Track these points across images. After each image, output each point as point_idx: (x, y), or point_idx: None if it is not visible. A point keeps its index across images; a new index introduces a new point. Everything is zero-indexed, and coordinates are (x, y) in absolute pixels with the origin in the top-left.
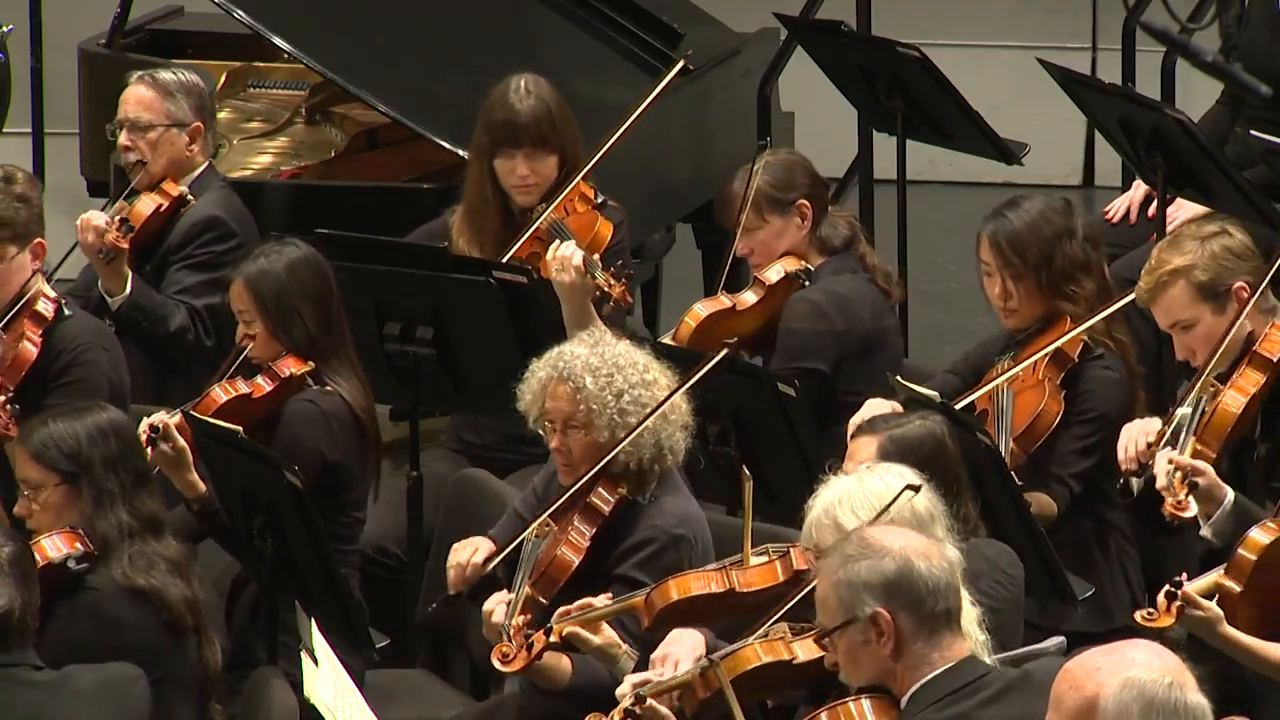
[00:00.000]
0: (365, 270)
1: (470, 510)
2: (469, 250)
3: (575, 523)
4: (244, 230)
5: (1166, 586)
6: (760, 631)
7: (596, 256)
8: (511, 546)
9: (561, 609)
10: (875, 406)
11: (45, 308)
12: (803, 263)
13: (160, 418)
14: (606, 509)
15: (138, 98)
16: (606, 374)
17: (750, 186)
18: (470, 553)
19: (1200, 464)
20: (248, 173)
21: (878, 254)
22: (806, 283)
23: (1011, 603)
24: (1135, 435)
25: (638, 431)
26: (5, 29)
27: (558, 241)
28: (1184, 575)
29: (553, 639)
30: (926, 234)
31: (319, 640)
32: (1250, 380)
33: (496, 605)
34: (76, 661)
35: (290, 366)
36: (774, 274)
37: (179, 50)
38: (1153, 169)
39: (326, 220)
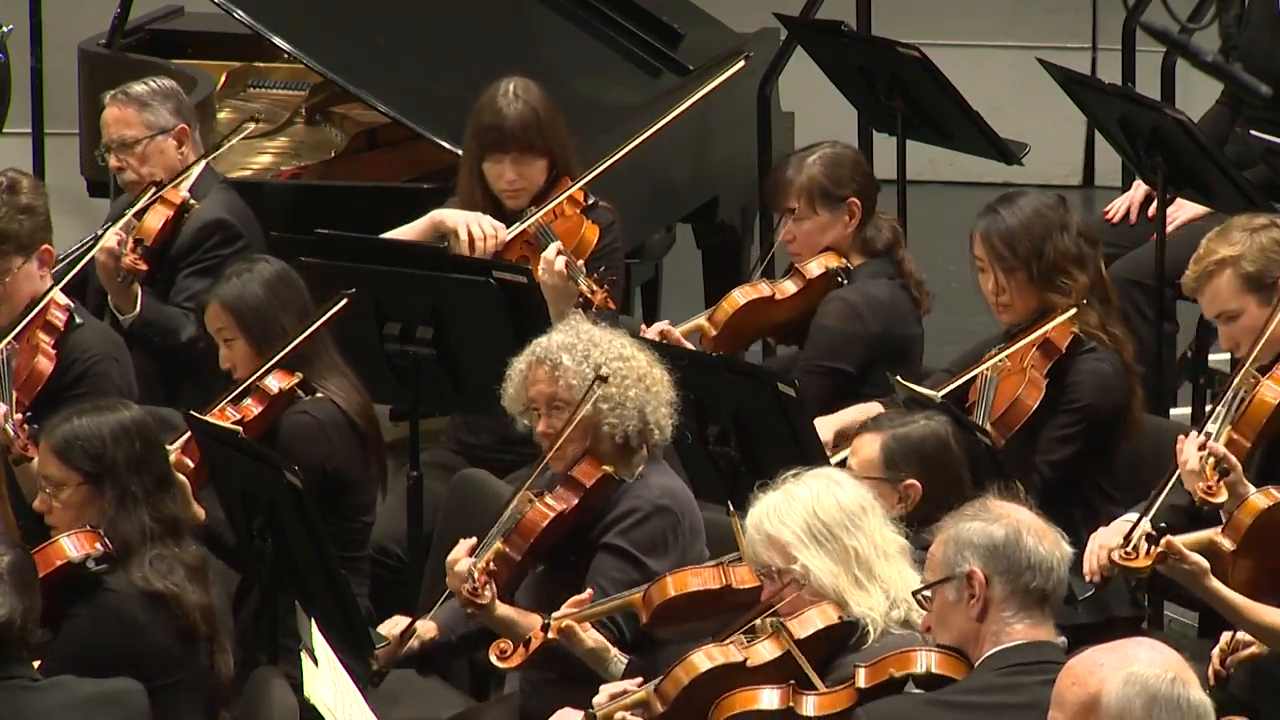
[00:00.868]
0: (365, 270)
1: (470, 510)
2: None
3: (556, 490)
4: (249, 230)
5: (1147, 529)
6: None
7: (581, 262)
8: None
9: (566, 605)
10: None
11: (57, 317)
12: (843, 261)
13: None
14: (588, 481)
15: (115, 117)
16: (583, 350)
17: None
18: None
19: (1232, 457)
20: (248, 173)
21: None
22: (844, 281)
23: None
24: (1098, 547)
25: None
26: (5, 29)
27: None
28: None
29: (550, 635)
30: (926, 234)
31: (319, 640)
32: None
33: (463, 547)
34: (90, 661)
35: (278, 382)
36: (815, 268)
37: (179, 50)
38: (1153, 169)
39: (326, 220)
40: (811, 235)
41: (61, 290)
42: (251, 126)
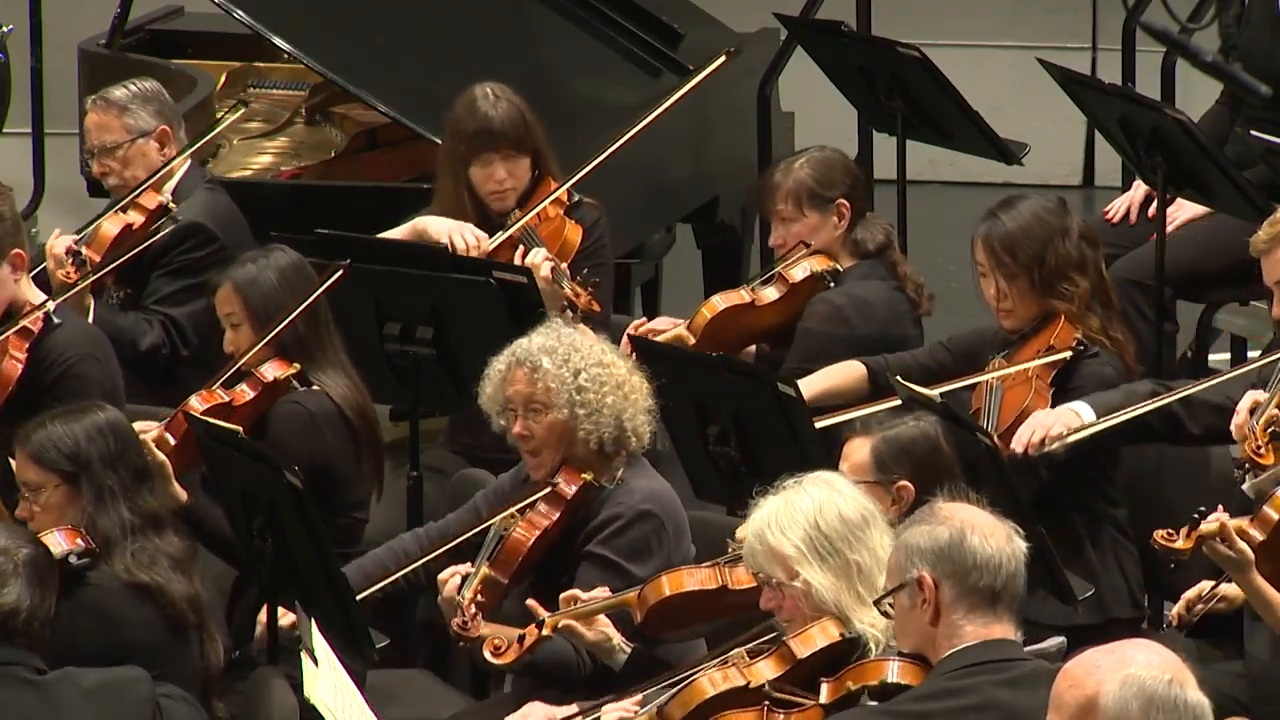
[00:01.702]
0: (365, 270)
1: None
2: None
3: (537, 506)
4: (228, 232)
5: (1194, 515)
6: (717, 658)
7: (565, 266)
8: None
9: (563, 596)
10: None
11: (31, 320)
12: (832, 263)
13: (140, 428)
14: (569, 494)
15: (95, 123)
16: (563, 354)
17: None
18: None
19: None
20: (248, 173)
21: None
22: (832, 284)
23: None
24: (1037, 425)
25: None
26: (5, 29)
27: (522, 249)
28: (1219, 506)
29: (545, 632)
30: (926, 234)
31: (319, 640)
32: None
33: (453, 582)
34: (78, 658)
35: (274, 370)
36: (799, 272)
37: (179, 50)
38: (1153, 169)
39: (326, 220)
40: (800, 237)
41: (39, 289)
42: (231, 118)
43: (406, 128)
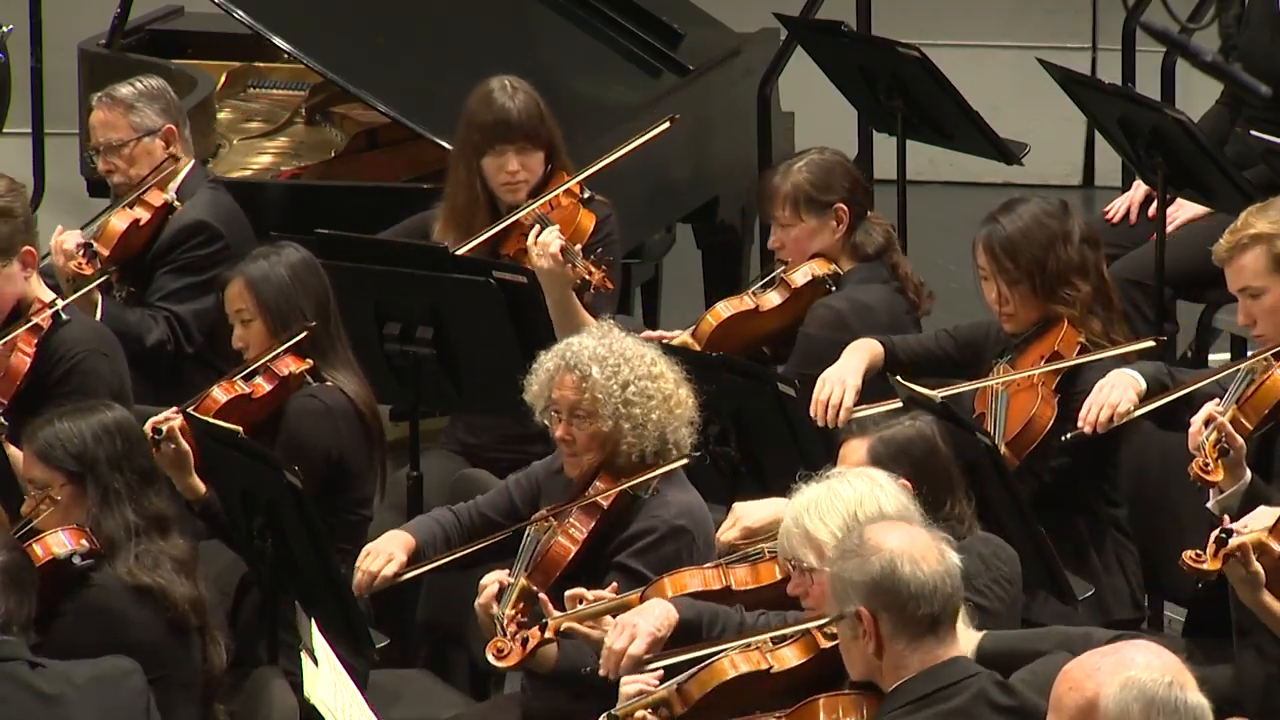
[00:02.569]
0: (365, 270)
1: None
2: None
3: (574, 516)
4: (232, 231)
5: (1218, 532)
6: (740, 642)
7: (578, 246)
8: (419, 571)
9: (568, 595)
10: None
11: (41, 317)
12: (832, 267)
13: (164, 418)
14: (606, 503)
15: (100, 120)
16: (613, 364)
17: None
18: (383, 562)
19: (1239, 439)
20: (248, 173)
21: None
22: (833, 288)
23: (1008, 603)
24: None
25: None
26: (5, 29)
27: (536, 229)
28: (1238, 524)
29: (548, 634)
30: (926, 234)
31: (319, 640)
32: None
33: (490, 591)
34: (79, 658)
35: (288, 365)
36: (800, 277)
37: (179, 50)
38: (1153, 169)
39: (326, 220)
40: (799, 241)
41: (48, 287)
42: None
43: (406, 128)
